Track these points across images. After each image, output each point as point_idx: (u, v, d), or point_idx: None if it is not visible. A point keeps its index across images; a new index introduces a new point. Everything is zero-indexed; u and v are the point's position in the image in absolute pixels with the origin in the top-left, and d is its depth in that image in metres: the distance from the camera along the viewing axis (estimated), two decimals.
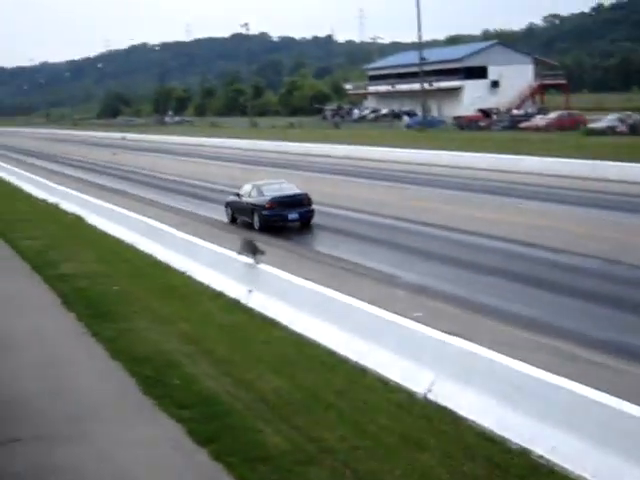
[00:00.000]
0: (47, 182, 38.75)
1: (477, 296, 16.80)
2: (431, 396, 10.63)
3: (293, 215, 26.64)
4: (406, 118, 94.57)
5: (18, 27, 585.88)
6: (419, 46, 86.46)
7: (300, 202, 27.07)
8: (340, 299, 13.47)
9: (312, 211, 26.94)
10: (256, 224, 26.66)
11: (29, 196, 37.77)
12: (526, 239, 22.12)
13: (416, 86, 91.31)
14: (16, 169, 49.19)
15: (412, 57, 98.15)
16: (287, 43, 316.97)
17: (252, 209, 27.04)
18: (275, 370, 12.02)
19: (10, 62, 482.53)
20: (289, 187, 28.33)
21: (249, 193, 27.61)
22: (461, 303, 16.15)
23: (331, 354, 12.60)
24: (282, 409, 10.57)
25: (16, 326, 14.80)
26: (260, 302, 15.28)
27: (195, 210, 31.57)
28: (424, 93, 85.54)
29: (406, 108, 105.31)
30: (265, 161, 55.85)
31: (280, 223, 26.56)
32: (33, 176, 42.89)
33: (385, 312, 12.51)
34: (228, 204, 29.08)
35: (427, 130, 78.04)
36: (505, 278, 18.37)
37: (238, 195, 28.18)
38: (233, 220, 28.69)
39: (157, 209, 31.59)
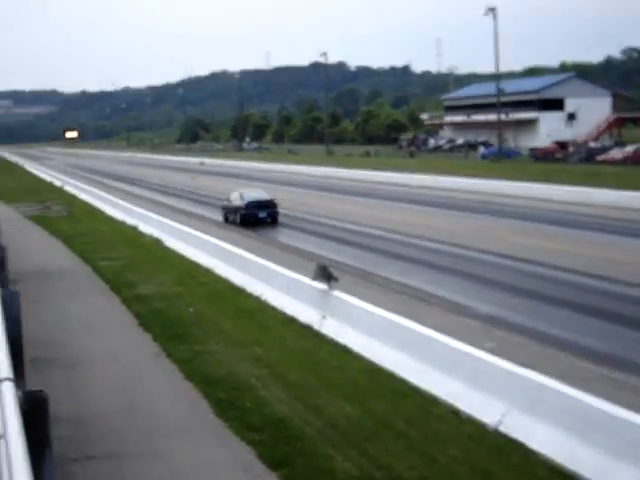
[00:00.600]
0: (126, 204, 39.36)
1: (549, 328, 16.66)
2: (502, 428, 10.58)
3: (263, 214, 36.18)
4: (482, 148, 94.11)
5: (102, 53, 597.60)
6: (496, 77, 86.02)
7: (268, 205, 36.57)
8: (412, 327, 13.48)
9: (277, 212, 36.27)
10: (237, 220, 35.89)
11: (109, 218, 38.40)
12: (597, 272, 21.89)
13: (492, 117, 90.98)
14: (97, 191, 50.02)
15: (489, 88, 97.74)
16: (364, 72, 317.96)
17: (235, 210, 36.46)
18: (346, 396, 12.07)
19: (93, 86, 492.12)
20: (262, 194, 38.17)
21: (235, 199, 37.04)
22: (533, 335, 16.02)
23: (402, 382, 12.61)
24: (352, 436, 10.60)
25: (94, 345, 15.05)
26: (333, 328, 15.35)
27: (270, 236, 31.77)
28: (500, 124, 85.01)
29: (482, 139, 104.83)
30: (339, 188, 56.06)
31: (252, 219, 35.62)
32: (113, 198, 43.60)
33: (457, 342, 12.50)
34: (223, 208, 38.19)
35: (502, 161, 77.57)
36: (577, 310, 18.18)
37: (229, 200, 37.48)
38: (226, 219, 37.49)
39: (233, 233, 31.91)
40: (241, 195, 37.22)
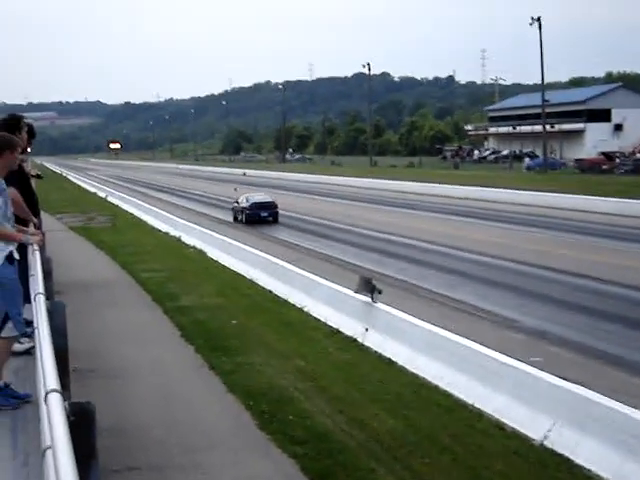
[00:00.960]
0: (170, 215, 39.56)
1: (600, 343, 16.43)
2: (548, 443, 10.43)
3: (265, 214, 42.41)
4: (527, 160, 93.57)
5: (146, 64, 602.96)
6: (541, 88, 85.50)
7: (269, 206, 43.15)
8: (457, 341, 13.37)
9: (277, 212, 42.82)
10: (243, 219, 42.32)
11: (152, 229, 38.61)
12: None
13: (538, 128, 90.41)
14: (140, 202, 50.34)
15: (534, 99, 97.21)
16: (408, 83, 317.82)
17: (242, 210, 42.97)
18: (390, 410, 11.97)
19: (137, 98, 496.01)
20: (265, 197, 45.42)
21: (242, 201, 43.77)
22: (581, 350, 15.82)
23: (447, 396, 12.50)
24: (396, 450, 10.51)
25: (136, 356, 15.08)
26: (376, 341, 15.26)
27: (312, 247, 31.74)
28: (545, 135, 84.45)
29: (527, 150, 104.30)
30: (382, 199, 55.94)
31: (256, 218, 41.70)
32: (156, 209, 43.84)
33: (503, 356, 12.37)
34: (232, 209, 45.05)
35: (548, 172, 77.07)
36: (629, 326, 17.93)
37: (237, 203, 44.47)
38: (235, 219, 43.87)
39: (275, 244, 31.93)
40: (247, 198, 44.09)
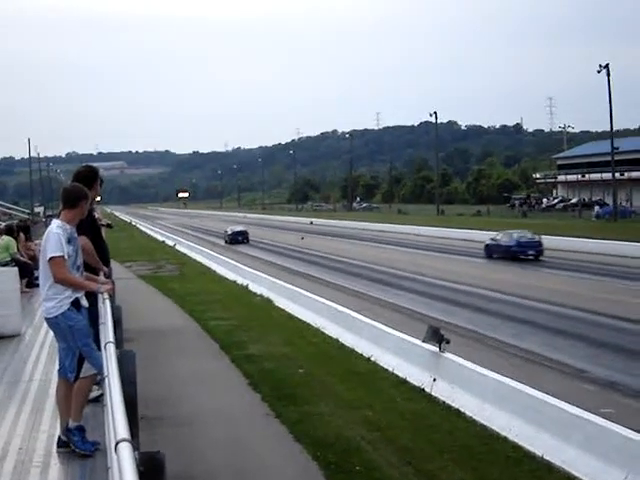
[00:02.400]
0: (236, 263, 39.80)
1: None
2: None
3: (240, 238, 69.26)
4: (596, 208, 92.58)
5: (214, 114, 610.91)
6: (610, 135, 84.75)
7: (243, 234, 70.61)
8: (526, 391, 13.19)
9: (248, 238, 69.98)
10: (228, 241, 69.14)
11: (220, 277, 38.85)
12: None
13: (607, 175, 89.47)
14: (208, 251, 50.77)
15: (603, 146, 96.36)
16: (475, 131, 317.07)
17: (228, 236, 70.83)
18: (458, 461, 11.82)
19: (205, 147, 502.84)
20: (241, 228, 74.25)
21: (226, 230, 73.30)
22: None
23: (516, 448, 12.31)
24: None
25: (204, 404, 15.11)
26: (444, 390, 15.12)
27: (379, 296, 31.64)
28: (615, 183, 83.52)
29: (596, 198, 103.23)
30: (449, 248, 55.76)
31: (234, 241, 68.36)
32: (224, 257, 44.15)
33: (573, 407, 12.16)
34: (224, 235, 72.57)
35: (617, 220, 76.17)
36: None
37: (225, 232, 73.00)
38: (225, 242, 69.49)
39: (343, 294, 31.89)
40: (230, 229, 74.54)
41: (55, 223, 8.37)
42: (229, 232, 71.59)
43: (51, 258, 8.21)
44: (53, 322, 8.42)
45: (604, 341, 21.63)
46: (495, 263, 44.51)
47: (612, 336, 22.23)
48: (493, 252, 47.73)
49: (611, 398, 15.59)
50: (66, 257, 8.20)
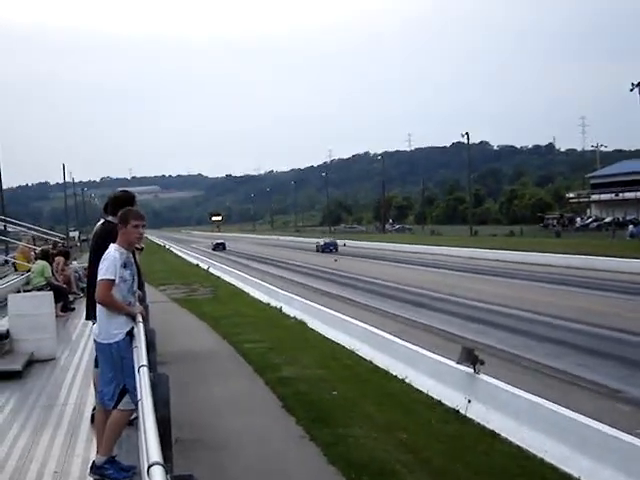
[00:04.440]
0: (270, 286, 39.83)
1: None
2: None
3: (221, 247, 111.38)
4: (630, 227, 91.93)
5: (246, 138, 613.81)
6: None
7: (223, 244, 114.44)
8: (561, 412, 13.08)
9: (225, 246, 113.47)
10: (211, 249, 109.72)
11: (253, 300, 38.89)
12: None
13: None
14: (242, 273, 50.85)
15: (636, 165, 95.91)
16: (507, 151, 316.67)
17: (212, 245, 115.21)
18: None
19: (238, 171, 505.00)
20: (222, 240, 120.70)
21: (212, 242, 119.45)
22: None
23: (552, 468, 12.21)
24: None
25: (239, 427, 15.11)
26: (479, 412, 15.03)
27: (413, 317, 31.56)
28: None
29: (630, 217, 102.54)
30: (482, 269, 55.60)
31: (218, 250, 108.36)
32: (257, 280, 44.22)
33: (608, 427, 12.05)
34: (212, 244, 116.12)
35: None
36: None
37: (212, 243, 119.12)
38: (212, 249, 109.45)
39: (376, 315, 31.85)
40: (214, 241, 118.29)
41: (113, 247, 8.44)
42: (213, 242, 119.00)
43: (101, 279, 8.30)
44: (105, 349, 8.43)
45: (639, 361, 21.43)
46: (529, 284, 44.27)
47: None
48: (319, 249, 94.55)
49: None
50: (117, 281, 8.27)
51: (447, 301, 36.54)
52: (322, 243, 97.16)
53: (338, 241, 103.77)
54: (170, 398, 8.62)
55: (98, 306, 8.48)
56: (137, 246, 9.20)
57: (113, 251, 8.37)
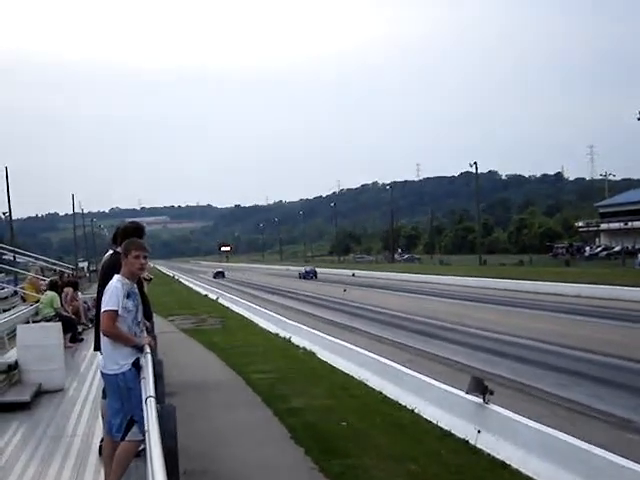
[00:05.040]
0: (279, 317, 39.79)
1: None
2: None
3: (220, 276, 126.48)
4: (639, 256, 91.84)
5: (255, 168, 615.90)
6: None
7: (222, 272, 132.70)
8: (571, 442, 12.98)
9: (224, 274, 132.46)
10: (212, 277, 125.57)
11: (262, 330, 38.84)
12: None
13: None
14: (251, 304, 50.83)
15: None
16: (516, 181, 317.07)
17: (213, 273, 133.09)
18: None
19: (247, 201, 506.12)
20: (221, 269, 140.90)
21: (212, 270, 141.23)
22: None
23: None
24: None
25: (247, 458, 15.05)
26: (489, 442, 14.94)
27: (422, 347, 31.48)
28: None
29: (639, 245, 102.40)
30: (491, 299, 55.49)
31: (219, 277, 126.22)
32: (266, 311, 44.20)
33: (619, 457, 11.96)
34: (214, 272, 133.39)
35: None
36: None
37: (213, 270, 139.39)
38: (213, 277, 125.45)
39: (385, 345, 31.78)
40: (214, 269, 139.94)
41: (116, 277, 8.48)
42: (213, 271, 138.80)
43: (105, 311, 8.32)
44: (111, 380, 8.44)
45: None
46: (539, 313, 44.15)
47: None
48: (301, 276, 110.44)
49: None
50: (120, 312, 8.29)
51: (456, 331, 36.45)
52: (304, 271, 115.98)
53: (348, 271, 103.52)
54: (178, 429, 8.60)
55: (103, 337, 8.49)
56: (145, 277, 9.22)
57: (115, 282, 8.40)
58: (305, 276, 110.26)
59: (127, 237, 9.42)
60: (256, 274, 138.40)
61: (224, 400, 21.17)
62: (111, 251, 10.21)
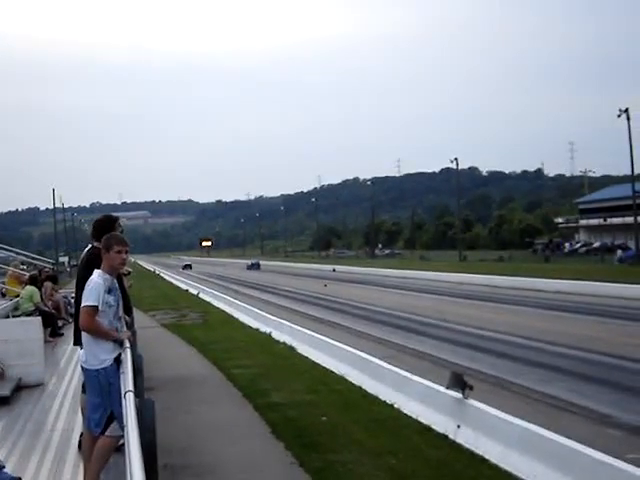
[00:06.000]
0: (259, 311, 39.77)
1: None
2: None
3: (188, 268, 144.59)
4: (619, 252, 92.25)
5: (236, 163, 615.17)
6: (632, 179, 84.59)
7: (189, 265, 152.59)
8: (551, 437, 13.02)
9: (191, 266, 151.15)
10: (181, 269, 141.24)
11: (243, 325, 38.80)
12: None
13: (629, 219, 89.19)
14: (231, 299, 50.78)
15: (625, 190, 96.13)
16: (496, 177, 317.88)
17: (182, 266, 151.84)
18: None
19: (228, 196, 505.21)
20: (188, 261, 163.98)
21: (180, 262, 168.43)
22: None
23: None
24: None
25: (227, 452, 15.03)
26: (469, 437, 14.97)
27: (402, 342, 31.52)
28: (637, 227, 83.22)
29: (619, 242, 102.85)
30: (472, 294, 55.64)
31: (186, 269, 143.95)
32: (247, 306, 44.15)
33: (598, 453, 12.00)
34: (182, 266, 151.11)
35: None
36: None
37: (182, 263, 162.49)
38: (182, 268, 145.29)
39: (366, 340, 31.81)
40: (183, 262, 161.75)
41: (97, 273, 8.45)
42: (182, 263, 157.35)
43: (84, 306, 8.29)
44: (92, 375, 8.40)
45: (630, 386, 21.40)
46: (519, 309, 44.30)
47: (637, 380, 22.02)
48: (248, 267, 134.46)
49: (637, 443, 15.39)
50: (100, 307, 8.27)
51: (437, 326, 36.52)
52: (250, 263, 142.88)
53: (328, 267, 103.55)
54: (158, 424, 8.58)
55: (83, 332, 8.46)
56: (123, 271, 9.19)
57: (97, 277, 8.37)
58: (251, 267, 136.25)
59: (102, 230, 9.44)
60: (231, 268, 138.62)
61: (204, 395, 21.14)
62: (90, 246, 10.18)
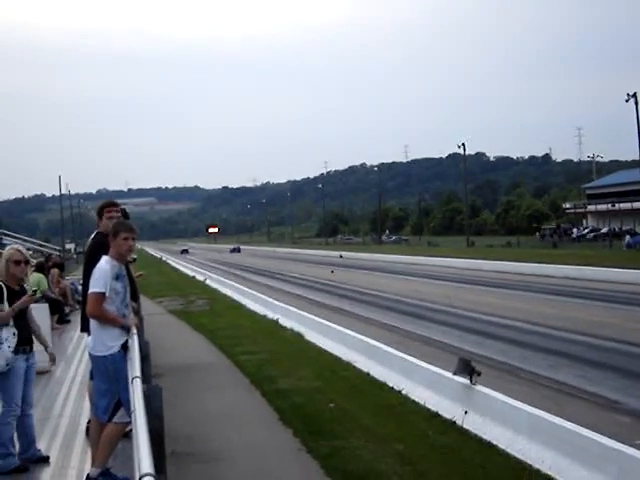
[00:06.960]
0: (267, 298, 39.75)
1: None
2: None
3: (186, 253, 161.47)
4: (627, 237, 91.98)
5: (243, 149, 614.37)
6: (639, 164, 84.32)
7: (187, 250, 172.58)
8: (559, 423, 12.98)
9: (189, 251, 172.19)
10: (180, 253, 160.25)
11: (250, 312, 38.79)
12: None
13: (638, 205, 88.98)
14: (238, 285, 50.78)
15: (633, 175, 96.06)
16: (504, 162, 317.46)
17: (180, 251, 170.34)
18: None
19: (235, 183, 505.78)
20: (186, 247, 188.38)
21: (179, 248, 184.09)
22: None
23: None
24: None
25: (235, 439, 15.02)
26: (476, 423, 14.94)
27: (410, 328, 31.49)
28: None
29: (627, 227, 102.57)
30: (480, 280, 55.52)
31: (184, 253, 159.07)
32: (254, 292, 44.13)
33: (606, 438, 11.96)
34: (180, 251, 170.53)
35: None
36: None
37: (182, 248, 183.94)
38: (180, 252, 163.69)
39: (373, 327, 31.76)
40: (182, 247, 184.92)
41: (104, 259, 8.42)
42: (179, 248, 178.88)
43: (91, 293, 8.26)
44: (99, 362, 8.38)
45: (638, 372, 21.35)
46: (527, 295, 44.22)
47: None
48: (231, 251, 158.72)
49: None
50: (107, 294, 8.23)
51: (445, 312, 36.46)
52: (231, 247, 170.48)
53: (335, 253, 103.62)
54: (165, 410, 8.56)
55: (90, 319, 8.44)
56: (129, 258, 9.17)
57: (104, 263, 8.33)
58: (233, 251, 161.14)
59: (100, 214, 9.54)
60: (236, 254, 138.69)
61: (211, 381, 21.15)
62: (95, 232, 10.17)
